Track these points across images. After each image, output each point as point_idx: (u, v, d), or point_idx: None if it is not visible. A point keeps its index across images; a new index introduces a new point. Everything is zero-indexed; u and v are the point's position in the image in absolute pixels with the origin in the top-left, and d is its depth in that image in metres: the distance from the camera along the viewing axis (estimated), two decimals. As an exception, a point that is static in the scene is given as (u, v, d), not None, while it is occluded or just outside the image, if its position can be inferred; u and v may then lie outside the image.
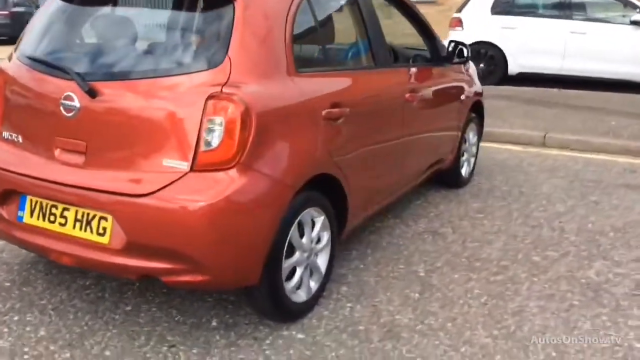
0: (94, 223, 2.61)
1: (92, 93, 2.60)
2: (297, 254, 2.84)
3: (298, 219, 2.79)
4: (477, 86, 5.08)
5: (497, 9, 9.89)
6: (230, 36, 2.59)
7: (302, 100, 2.77)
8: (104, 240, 2.58)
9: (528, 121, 7.32)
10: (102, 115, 2.65)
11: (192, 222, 2.44)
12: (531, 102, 8.47)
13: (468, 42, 9.54)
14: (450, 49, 4.35)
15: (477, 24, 9.92)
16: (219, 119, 2.46)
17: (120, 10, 2.90)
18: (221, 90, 2.48)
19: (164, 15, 2.82)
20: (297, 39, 2.91)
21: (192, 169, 2.48)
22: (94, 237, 2.60)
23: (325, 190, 3.01)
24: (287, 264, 2.78)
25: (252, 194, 2.51)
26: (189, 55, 2.63)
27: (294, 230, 2.77)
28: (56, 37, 2.94)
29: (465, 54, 4.36)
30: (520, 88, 9.58)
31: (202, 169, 2.48)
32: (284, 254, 2.73)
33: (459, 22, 10.06)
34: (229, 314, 3.00)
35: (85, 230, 2.63)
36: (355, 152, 3.18)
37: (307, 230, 2.89)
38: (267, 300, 2.75)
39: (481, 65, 9.97)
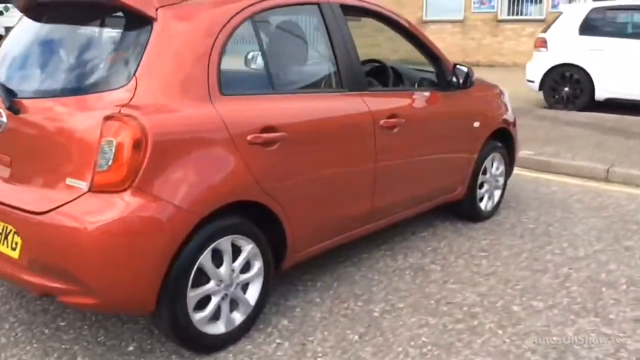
0: (10, 237, 2.65)
1: (14, 109, 2.66)
2: (210, 283, 2.72)
3: (212, 246, 2.67)
4: (503, 113, 4.69)
5: (585, 29, 9.15)
6: (142, 56, 2.55)
7: (219, 124, 2.66)
8: (15, 254, 2.61)
9: (597, 152, 6.68)
10: (22, 132, 2.70)
11: (80, 243, 2.41)
12: (609, 132, 7.73)
13: (553, 64, 9.08)
14: (453, 73, 4.04)
15: (563, 45, 9.24)
16: (112, 140, 2.41)
17: (46, 29, 2.95)
18: (119, 111, 2.44)
19: (85, 33, 2.83)
20: (230, 60, 2.82)
21: (90, 189, 2.46)
22: (8, 251, 2.65)
23: (258, 218, 2.88)
24: (194, 293, 2.67)
25: (143, 219, 2.44)
26: (103, 75, 2.61)
27: (205, 257, 2.66)
28: None
29: (467, 78, 4.02)
30: (603, 115, 8.79)
31: (98, 189, 2.45)
32: (190, 282, 2.62)
33: (543, 43, 9.43)
34: (150, 339, 2.93)
35: (3, 244, 2.67)
36: (298, 180, 3.02)
37: (226, 258, 2.76)
38: (169, 329, 2.65)
39: (565, 89, 9.30)
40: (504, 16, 16.99)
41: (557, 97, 9.42)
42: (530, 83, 9.66)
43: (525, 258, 4.01)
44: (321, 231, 3.27)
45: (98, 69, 2.64)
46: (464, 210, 4.62)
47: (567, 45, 9.20)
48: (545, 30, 9.67)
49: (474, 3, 17.29)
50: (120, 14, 2.66)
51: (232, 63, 3.06)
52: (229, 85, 2.79)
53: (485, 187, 4.65)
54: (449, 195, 4.33)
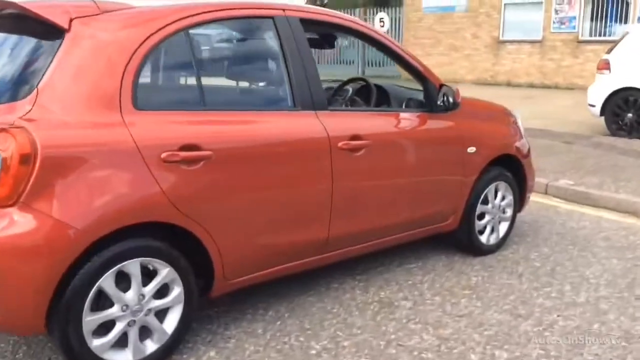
0: None
1: None
2: (114, 308, 2.58)
3: (115, 268, 2.53)
4: (509, 139, 4.30)
5: (652, 52, 8.41)
6: (47, 68, 2.47)
7: (126, 140, 2.52)
8: None
9: (647, 185, 6.06)
10: None
11: (-36, 259, 2.33)
12: (669, 163, 7.02)
13: (616, 87, 8.38)
14: (440, 93, 3.72)
15: (628, 68, 8.54)
16: (0, 154, 2.33)
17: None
18: (13, 123, 2.36)
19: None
20: (152, 74, 2.70)
21: (-19, 204, 2.38)
22: None
23: (181, 242, 2.72)
24: (93, 317, 2.53)
25: (28, 236, 2.33)
26: (9, 86, 2.54)
27: (107, 280, 2.52)
28: None
29: (450, 100, 3.68)
30: (667, 145, 8.02)
31: (-13, 204, 2.36)
32: (88, 305, 2.49)
33: (606, 65, 8.75)
34: None
35: None
36: (229, 204, 2.83)
37: (134, 282, 2.61)
38: (62, 351, 2.53)
39: (629, 115, 8.57)
40: (586, 37, 16.08)
41: (619, 123, 8.70)
42: (591, 108, 8.99)
43: (512, 300, 3.61)
44: (260, 259, 3.06)
45: (6, 79, 2.57)
46: (460, 242, 4.26)
47: (632, 67, 8.49)
48: (609, 52, 8.99)
49: (554, 23, 16.49)
50: (35, 24, 2.59)
51: (158, 77, 2.93)
52: (148, 100, 2.65)
53: (487, 218, 4.26)
54: (438, 225, 3.99)
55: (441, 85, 3.70)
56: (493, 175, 4.18)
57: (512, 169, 4.35)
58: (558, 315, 3.42)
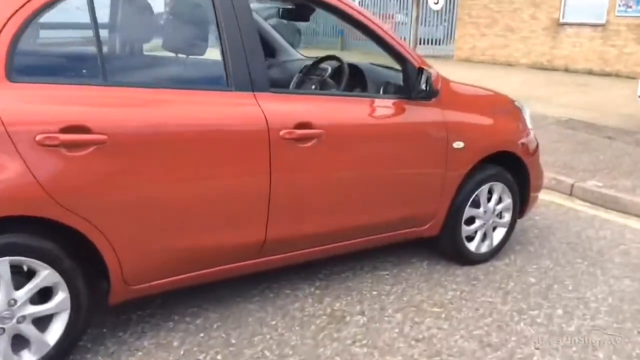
0: None
1: None
2: (-22, 314, 2.22)
3: (-22, 268, 2.17)
4: (510, 133, 3.72)
5: None
6: None
7: (-7, 117, 2.12)
8: None
9: (689, 192, 5.32)
10: None
11: None
12: None
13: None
14: (419, 77, 3.17)
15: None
16: None
17: None
18: None
19: None
20: (36, 40, 2.30)
21: None
22: None
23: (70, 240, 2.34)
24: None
25: None
26: None
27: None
28: None
29: (426, 85, 3.12)
30: None
31: None
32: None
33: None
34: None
35: None
36: (127, 198, 2.41)
37: (3, 285, 2.24)
38: None
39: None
40: (655, 22, 14.82)
41: (672, 118, 7.81)
42: (642, 100, 8.12)
43: (487, 324, 3.08)
44: (174, 262, 2.63)
45: None
46: (444, 249, 3.73)
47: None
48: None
49: (619, 6, 15.25)
50: None
51: (45, 44, 2.51)
52: (28, 71, 2.25)
53: (478, 223, 3.70)
54: (412, 230, 3.47)
55: (421, 68, 3.15)
56: (486, 175, 3.62)
57: (514, 168, 3.77)
58: (536, 348, 2.88)
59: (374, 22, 3.11)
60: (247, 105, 2.69)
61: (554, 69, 16.28)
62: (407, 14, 21.10)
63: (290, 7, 3.66)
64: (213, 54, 2.76)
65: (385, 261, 3.74)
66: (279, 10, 3.80)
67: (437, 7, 20.10)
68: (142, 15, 2.82)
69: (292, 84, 3.72)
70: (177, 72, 2.85)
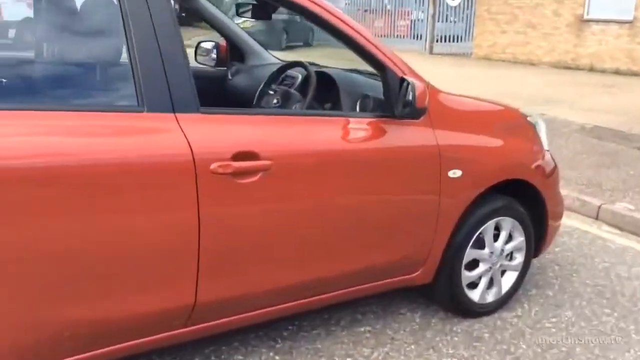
0: None
1: None
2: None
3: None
4: (522, 157, 3.01)
5: None
6: None
7: None
8: None
9: None
10: None
11: None
12: None
13: None
14: (401, 90, 2.46)
15: None
16: None
17: None
18: None
19: None
20: None
21: None
22: None
23: None
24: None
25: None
26: None
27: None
28: None
29: (411, 99, 2.40)
30: None
31: None
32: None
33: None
34: None
35: None
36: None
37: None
38: None
39: None
40: (687, 18, 13.90)
41: None
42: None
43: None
44: (54, 342, 1.97)
45: None
46: (440, 299, 3.04)
47: None
48: None
49: (649, 0, 14.36)
50: None
51: None
52: None
53: (482, 267, 3.00)
54: (402, 278, 2.78)
55: (403, 79, 2.45)
56: (492, 209, 2.91)
57: (527, 197, 3.06)
58: None
59: (340, 19, 2.41)
60: (164, 132, 2.03)
61: (579, 68, 15.42)
62: (424, 10, 20.32)
63: (247, 3, 3.00)
64: (117, 63, 2.10)
65: (368, 312, 3.05)
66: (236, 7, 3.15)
67: (455, 3, 19.37)
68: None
69: (255, 96, 3.05)
70: (67, 87, 2.17)
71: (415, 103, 2.37)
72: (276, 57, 3.68)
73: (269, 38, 14.82)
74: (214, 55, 3.69)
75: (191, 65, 3.61)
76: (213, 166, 2.06)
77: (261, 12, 2.96)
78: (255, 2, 2.97)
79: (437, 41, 19.26)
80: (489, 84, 11.24)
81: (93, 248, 1.92)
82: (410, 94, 2.37)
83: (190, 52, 2.47)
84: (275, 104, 2.82)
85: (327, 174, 2.36)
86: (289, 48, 17.60)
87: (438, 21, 19.48)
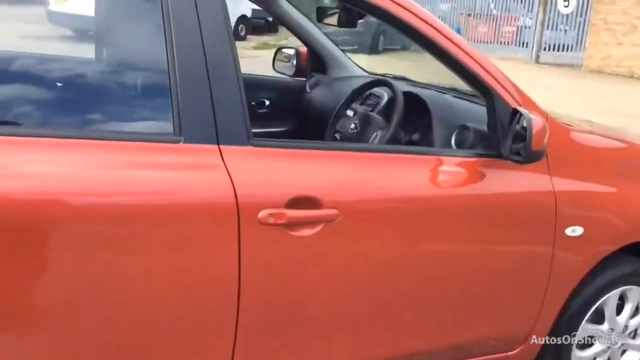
0: None
1: None
2: None
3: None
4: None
5: None
6: None
7: None
8: None
9: None
10: None
11: None
12: None
13: None
14: (512, 125, 1.92)
15: None
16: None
17: None
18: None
19: None
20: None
21: None
22: None
23: None
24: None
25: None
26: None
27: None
28: None
29: (525, 139, 1.83)
30: None
31: None
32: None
33: None
34: None
35: None
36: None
37: None
38: None
39: None
40: None
41: None
42: None
43: None
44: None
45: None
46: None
47: None
48: None
49: None
50: None
51: None
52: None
53: (599, 346, 2.39)
54: (496, 356, 2.23)
55: (516, 111, 1.90)
56: (617, 275, 2.31)
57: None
58: None
59: (437, 31, 1.90)
60: (202, 168, 1.61)
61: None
62: (532, 17, 19.17)
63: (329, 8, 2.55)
64: (154, 85, 1.70)
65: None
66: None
67: (567, 11, 18.09)
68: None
69: (331, 117, 2.59)
70: (89, 114, 1.76)
71: (531, 145, 1.82)
72: (363, 70, 3.21)
73: (365, 40, 14.33)
74: (293, 64, 3.28)
75: (266, 74, 3.28)
76: (262, 214, 1.62)
77: (346, 19, 2.49)
78: (338, 8, 2.51)
79: (544, 50, 18.10)
80: (599, 100, 10.24)
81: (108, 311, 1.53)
82: (525, 132, 1.83)
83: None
84: (352, 129, 2.34)
85: (410, 230, 1.87)
86: (385, 51, 17.03)
87: (547, 29, 18.31)
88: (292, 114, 3.18)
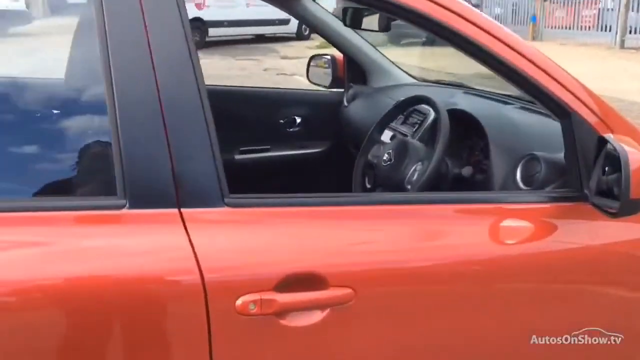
0: None
1: None
2: None
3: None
4: None
5: None
6: None
7: None
8: None
9: None
10: None
11: None
12: None
13: None
14: (599, 158, 1.37)
15: None
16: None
17: None
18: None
19: None
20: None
21: None
22: None
23: None
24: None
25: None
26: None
27: None
28: None
29: (618, 181, 1.29)
30: None
31: None
32: None
33: None
34: None
35: None
36: None
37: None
38: None
39: None
40: None
41: None
42: None
43: None
44: None
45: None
46: None
47: None
48: None
49: None
50: None
51: None
52: None
53: None
54: None
55: (603, 139, 1.36)
56: None
57: None
58: None
59: (490, 35, 1.37)
60: (154, 243, 1.17)
61: None
62: (615, -2, 17.81)
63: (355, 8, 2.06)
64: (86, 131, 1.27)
65: None
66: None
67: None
68: None
69: (362, 145, 2.10)
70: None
71: (628, 190, 1.27)
72: (410, 76, 2.70)
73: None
74: (328, 73, 2.80)
75: (299, 87, 2.81)
76: (240, 302, 1.16)
77: (380, 21, 1.99)
78: (360, 8, 2.02)
79: (629, 33, 16.77)
80: None
81: None
82: (619, 170, 1.28)
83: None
84: (385, 162, 1.82)
85: (457, 313, 1.35)
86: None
87: (632, 10, 16.95)
88: (327, 132, 2.72)
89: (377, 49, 2.68)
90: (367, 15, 2.06)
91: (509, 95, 2.12)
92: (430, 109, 2.01)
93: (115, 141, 1.14)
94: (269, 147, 2.66)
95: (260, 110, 2.66)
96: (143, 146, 1.16)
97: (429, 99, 1.85)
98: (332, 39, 2.60)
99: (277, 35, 15.64)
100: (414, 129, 2.04)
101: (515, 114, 1.95)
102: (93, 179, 1.28)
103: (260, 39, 15.64)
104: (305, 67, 2.91)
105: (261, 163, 2.64)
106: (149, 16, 1.17)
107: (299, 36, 16.05)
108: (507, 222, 1.41)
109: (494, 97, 2.18)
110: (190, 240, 1.15)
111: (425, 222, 1.35)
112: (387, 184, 1.83)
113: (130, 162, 1.14)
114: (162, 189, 1.16)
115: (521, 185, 1.58)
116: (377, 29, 1.97)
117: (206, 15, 13.69)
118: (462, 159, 1.82)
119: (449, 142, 1.68)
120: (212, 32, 14.14)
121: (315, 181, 2.71)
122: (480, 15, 1.38)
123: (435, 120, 1.87)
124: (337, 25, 2.55)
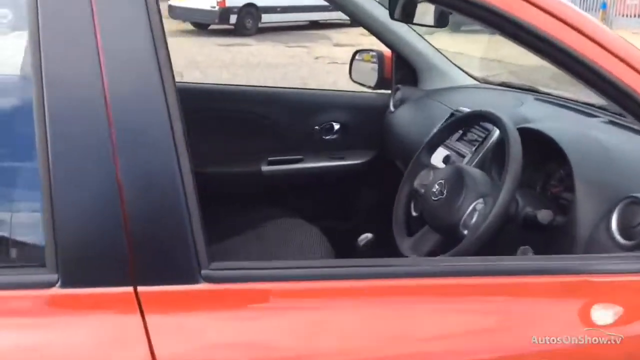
0: None
1: None
2: None
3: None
4: None
5: None
6: None
7: None
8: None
9: None
10: None
11: None
12: None
13: None
14: None
15: None
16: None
17: None
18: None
19: None
20: None
21: None
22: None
23: None
24: None
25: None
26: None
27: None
28: None
29: None
30: None
31: None
32: None
33: None
34: None
35: None
36: None
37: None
38: None
39: None
40: None
41: None
42: None
43: None
44: None
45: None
46: None
47: None
48: None
49: None
50: None
51: None
52: None
53: None
54: None
55: None
56: None
57: None
58: None
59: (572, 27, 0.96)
60: (92, 336, 0.82)
61: None
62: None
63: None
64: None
65: None
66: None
67: None
68: None
69: (407, 170, 1.69)
70: None
71: None
72: (471, 77, 2.29)
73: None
74: (375, 70, 2.41)
75: (341, 88, 2.44)
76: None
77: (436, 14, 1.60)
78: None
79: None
80: None
81: None
82: None
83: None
84: (435, 195, 1.41)
85: None
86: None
87: None
88: (369, 142, 2.34)
89: (428, 42, 2.27)
90: (420, 1, 1.67)
91: (591, 105, 1.70)
92: (494, 127, 1.60)
93: (46, 186, 0.80)
94: (301, 157, 2.30)
95: (293, 114, 2.31)
96: (82, 191, 0.81)
97: (496, 117, 1.42)
98: (375, 31, 2.20)
99: (331, 21, 15.24)
100: (474, 148, 1.64)
101: (603, 133, 1.52)
102: (9, 241, 0.94)
103: (314, 25, 15.27)
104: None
105: (292, 176, 2.29)
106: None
107: (353, 22, 15.60)
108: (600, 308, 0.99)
109: (573, 105, 1.76)
110: (149, 339, 0.80)
111: (490, 300, 0.96)
112: (436, 225, 1.43)
113: (65, 217, 0.80)
114: (110, 257, 0.82)
115: (618, 238, 1.17)
116: (432, 23, 1.58)
117: (259, 0, 13.38)
118: (535, 192, 1.41)
119: (519, 175, 1.27)
120: (265, 18, 13.82)
121: (356, 198, 2.35)
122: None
123: (501, 141, 1.46)
124: (381, 14, 2.15)
